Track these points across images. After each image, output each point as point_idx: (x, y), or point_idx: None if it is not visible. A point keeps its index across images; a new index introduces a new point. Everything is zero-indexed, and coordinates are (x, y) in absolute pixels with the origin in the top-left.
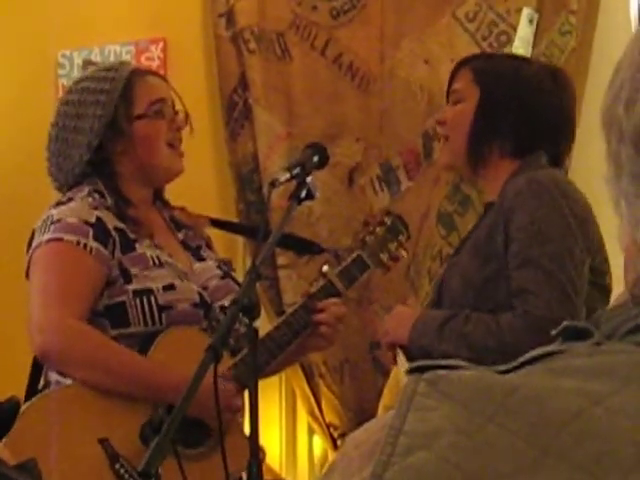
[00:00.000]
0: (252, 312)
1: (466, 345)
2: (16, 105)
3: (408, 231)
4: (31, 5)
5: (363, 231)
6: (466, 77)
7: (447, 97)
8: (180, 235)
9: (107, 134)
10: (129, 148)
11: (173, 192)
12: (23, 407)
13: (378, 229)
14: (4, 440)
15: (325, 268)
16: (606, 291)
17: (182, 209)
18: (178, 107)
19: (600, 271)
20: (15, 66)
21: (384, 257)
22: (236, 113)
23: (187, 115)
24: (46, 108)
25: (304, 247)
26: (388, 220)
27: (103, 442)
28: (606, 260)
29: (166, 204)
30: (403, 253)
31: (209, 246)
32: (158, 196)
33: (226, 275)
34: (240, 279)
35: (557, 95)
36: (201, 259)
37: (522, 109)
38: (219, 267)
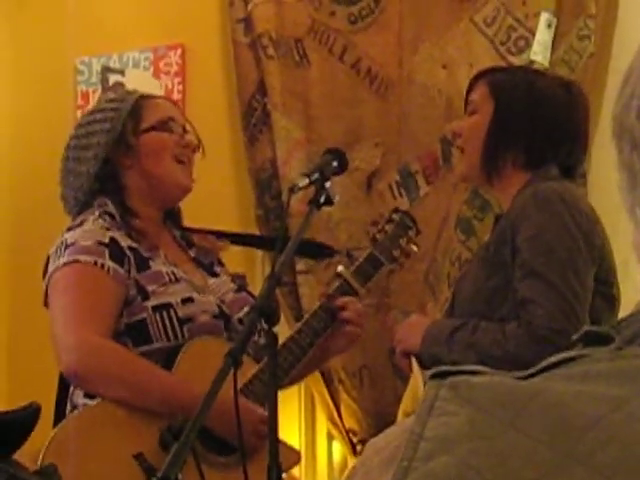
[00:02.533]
0: (271, 318)
1: (474, 354)
2: (35, 112)
3: (417, 226)
4: (50, 12)
5: (373, 230)
6: (482, 90)
7: (465, 107)
8: (192, 253)
9: (114, 147)
10: (135, 162)
11: (193, 199)
12: (55, 430)
13: (387, 226)
14: (39, 461)
15: (340, 269)
16: (612, 301)
17: (199, 231)
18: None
19: (606, 281)
20: (34, 73)
21: (396, 253)
22: (254, 119)
23: (199, 141)
24: (65, 115)
25: (316, 251)
26: (396, 217)
27: (138, 457)
28: (612, 270)
29: (179, 226)
30: (414, 248)
31: (220, 262)
32: (170, 218)
33: (241, 289)
34: (257, 291)
35: (570, 108)
36: (215, 275)
37: (535, 122)
38: (233, 281)
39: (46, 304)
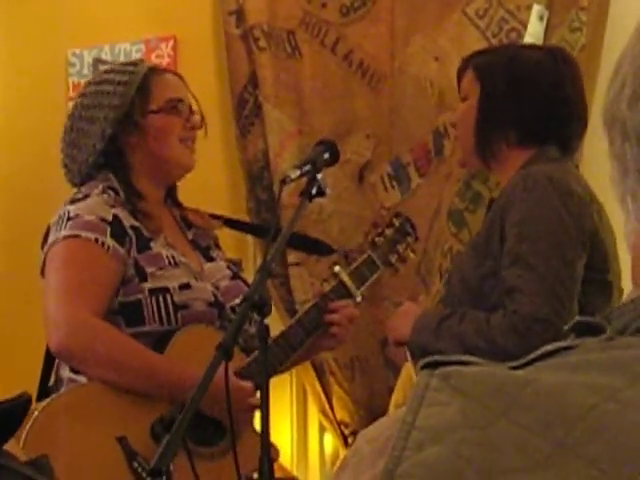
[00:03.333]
0: (263, 309)
1: (459, 344)
2: (27, 103)
3: (416, 233)
4: (41, 4)
5: (373, 232)
6: (469, 75)
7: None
8: (190, 234)
9: (121, 125)
10: (141, 141)
11: (185, 189)
12: (38, 406)
13: (387, 231)
14: (22, 440)
15: (337, 269)
16: (607, 287)
17: (195, 210)
18: (195, 109)
19: (599, 267)
20: (26, 65)
21: (393, 258)
22: (246, 111)
23: (203, 118)
24: (57, 106)
25: (314, 247)
26: (397, 222)
27: (121, 440)
28: (609, 255)
29: (177, 204)
30: (411, 255)
31: (217, 246)
32: (169, 195)
33: (236, 276)
34: (251, 278)
35: (558, 75)
36: (211, 259)
37: (521, 95)
38: (229, 267)
39: (42, 274)
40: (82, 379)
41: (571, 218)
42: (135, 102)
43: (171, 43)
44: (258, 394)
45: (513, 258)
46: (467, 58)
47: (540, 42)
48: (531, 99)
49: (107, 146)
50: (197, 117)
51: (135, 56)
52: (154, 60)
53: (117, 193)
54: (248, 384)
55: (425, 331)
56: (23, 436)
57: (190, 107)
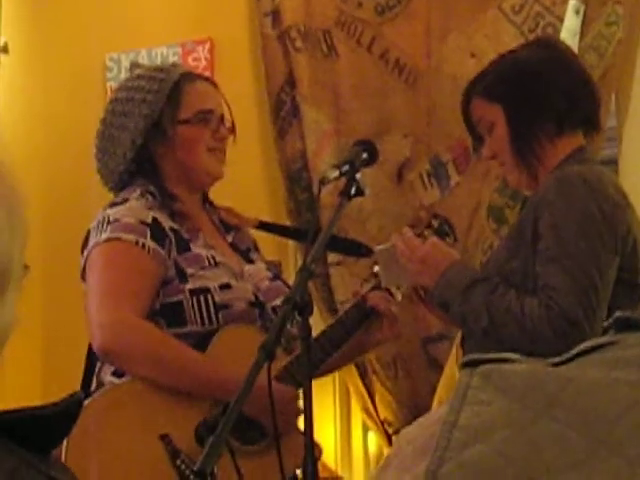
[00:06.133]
0: (304, 310)
1: (486, 314)
2: (65, 108)
3: (455, 234)
4: (78, 8)
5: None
6: (480, 105)
7: (472, 135)
8: (229, 237)
9: (150, 134)
10: (170, 150)
11: (223, 192)
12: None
13: (426, 232)
14: (65, 438)
15: (376, 268)
16: (636, 289)
17: (229, 209)
18: (226, 117)
19: (630, 268)
20: (64, 69)
21: None
22: (284, 112)
23: (233, 126)
24: (95, 111)
25: (352, 249)
26: (435, 223)
27: (164, 438)
28: (638, 258)
29: (213, 206)
30: None
31: (257, 248)
32: (205, 199)
33: (276, 277)
34: (291, 279)
35: (561, 58)
36: (250, 261)
37: (543, 90)
38: (268, 269)
39: (83, 277)
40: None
41: (605, 222)
42: (165, 112)
43: (207, 46)
44: (301, 395)
45: (547, 258)
46: (466, 92)
47: (576, 36)
48: (553, 88)
49: (137, 154)
50: (226, 127)
51: (172, 59)
52: (191, 63)
53: (155, 197)
54: (289, 388)
55: (452, 289)
56: None
57: (220, 117)
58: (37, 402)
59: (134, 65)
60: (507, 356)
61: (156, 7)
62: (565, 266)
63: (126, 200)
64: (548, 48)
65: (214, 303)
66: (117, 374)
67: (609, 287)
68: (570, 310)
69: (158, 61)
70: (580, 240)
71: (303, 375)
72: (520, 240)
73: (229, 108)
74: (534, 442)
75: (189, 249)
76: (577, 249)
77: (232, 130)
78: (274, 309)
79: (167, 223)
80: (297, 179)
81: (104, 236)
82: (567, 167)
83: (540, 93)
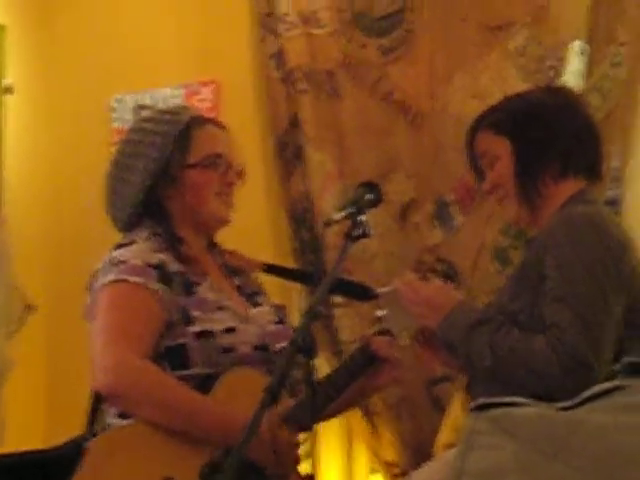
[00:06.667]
0: (309, 352)
1: (490, 354)
2: (70, 148)
3: (458, 278)
4: (84, 50)
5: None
6: (486, 137)
7: (474, 169)
8: (235, 281)
9: (159, 177)
10: (178, 193)
11: (228, 231)
12: (86, 445)
13: (429, 275)
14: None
15: (380, 312)
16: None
17: (233, 252)
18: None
19: (632, 308)
20: (69, 110)
21: None
22: (288, 153)
23: (242, 170)
24: (99, 151)
25: (356, 292)
26: (439, 266)
27: None
28: None
29: (219, 250)
30: None
31: (263, 292)
32: (211, 243)
33: (281, 321)
34: (295, 321)
35: (569, 103)
36: (256, 304)
37: (552, 129)
38: (274, 313)
39: (87, 317)
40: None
41: (612, 262)
42: (173, 155)
43: (212, 87)
44: (303, 438)
45: (553, 297)
46: (473, 127)
47: (581, 78)
48: (561, 131)
49: (146, 196)
50: (235, 171)
51: (176, 101)
52: (195, 104)
53: (162, 239)
54: (291, 435)
55: (456, 330)
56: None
57: (228, 161)
58: (40, 443)
59: (139, 106)
60: (515, 400)
61: (161, 48)
62: (571, 305)
63: (133, 242)
64: (558, 94)
65: (218, 346)
66: (122, 416)
67: (616, 325)
68: (578, 348)
69: (162, 102)
70: (586, 279)
71: (306, 419)
72: (525, 281)
73: (236, 151)
74: None
75: (195, 292)
76: (583, 288)
77: (241, 175)
78: (279, 352)
79: (174, 266)
80: (302, 220)
81: (111, 277)
82: (572, 207)
83: (548, 132)
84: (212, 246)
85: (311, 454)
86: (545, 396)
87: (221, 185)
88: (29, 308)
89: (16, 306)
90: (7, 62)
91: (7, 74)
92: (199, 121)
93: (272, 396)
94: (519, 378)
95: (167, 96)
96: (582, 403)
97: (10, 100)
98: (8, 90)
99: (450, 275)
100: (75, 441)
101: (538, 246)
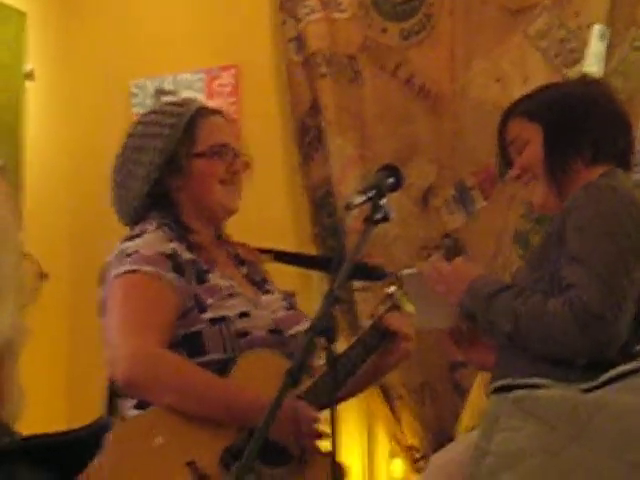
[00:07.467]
0: (330, 336)
1: (511, 320)
2: (91, 134)
3: (466, 252)
4: (104, 35)
5: (422, 253)
6: (519, 123)
7: (502, 157)
8: (243, 270)
9: (166, 168)
10: (185, 183)
11: (249, 219)
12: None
13: (434, 252)
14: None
15: (391, 289)
16: None
17: (243, 244)
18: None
19: None
20: (89, 95)
21: None
22: (309, 137)
23: (248, 161)
24: (120, 137)
25: (367, 273)
26: (447, 242)
27: (190, 465)
28: None
29: (227, 241)
30: None
31: (271, 280)
32: (219, 234)
33: (291, 306)
34: (316, 306)
35: (601, 92)
36: (266, 292)
37: (585, 118)
38: (284, 299)
39: (101, 313)
40: None
41: (634, 228)
42: (180, 146)
43: (233, 72)
44: (324, 416)
45: (573, 258)
46: (505, 113)
47: (602, 61)
48: (594, 120)
49: (153, 188)
50: (241, 160)
51: (197, 85)
52: (216, 89)
53: (171, 229)
54: (312, 411)
55: (477, 298)
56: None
57: (234, 151)
58: (61, 427)
59: (159, 91)
60: (537, 382)
61: (181, 33)
62: (590, 264)
63: (143, 232)
64: (593, 85)
65: (233, 331)
66: (139, 407)
67: (634, 288)
68: (594, 304)
69: (183, 87)
70: (607, 241)
71: (328, 399)
72: (547, 250)
73: (245, 143)
74: (564, 469)
75: (207, 280)
76: (604, 249)
77: (248, 165)
78: (292, 337)
79: (185, 254)
80: (322, 205)
81: (123, 268)
82: (596, 180)
83: (581, 121)
84: (221, 237)
85: (331, 440)
86: (565, 358)
87: (227, 174)
88: (42, 276)
89: (28, 275)
90: (28, 49)
91: (28, 61)
92: (204, 112)
93: (293, 379)
94: (537, 341)
95: (187, 81)
96: (605, 384)
97: (31, 86)
98: (29, 76)
99: (455, 250)
100: (99, 421)
101: (561, 215)
